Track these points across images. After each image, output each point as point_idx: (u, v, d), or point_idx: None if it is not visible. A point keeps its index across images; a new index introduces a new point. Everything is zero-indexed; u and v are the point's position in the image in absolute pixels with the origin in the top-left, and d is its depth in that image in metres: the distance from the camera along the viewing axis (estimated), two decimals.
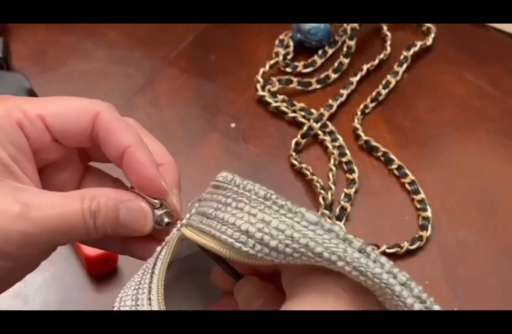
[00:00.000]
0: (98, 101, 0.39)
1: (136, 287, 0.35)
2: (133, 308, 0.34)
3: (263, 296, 0.36)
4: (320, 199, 0.56)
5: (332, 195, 0.57)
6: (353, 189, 0.58)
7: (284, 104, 0.63)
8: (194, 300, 0.40)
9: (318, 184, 0.57)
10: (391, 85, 0.65)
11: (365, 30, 0.69)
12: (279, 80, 0.65)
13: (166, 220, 0.38)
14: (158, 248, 0.37)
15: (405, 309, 0.30)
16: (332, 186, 0.58)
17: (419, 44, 0.68)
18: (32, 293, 0.52)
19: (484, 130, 0.63)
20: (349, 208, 0.57)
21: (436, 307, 0.31)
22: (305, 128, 0.61)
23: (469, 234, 0.56)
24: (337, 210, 0.57)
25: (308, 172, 0.58)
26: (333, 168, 0.59)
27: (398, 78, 0.66)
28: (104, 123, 0.38)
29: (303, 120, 0.62)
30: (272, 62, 0.66)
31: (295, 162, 0.59)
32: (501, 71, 0.67)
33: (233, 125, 0.63)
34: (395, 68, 0.66)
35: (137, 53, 0.68)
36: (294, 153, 0.60)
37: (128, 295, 0.35)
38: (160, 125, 0.63)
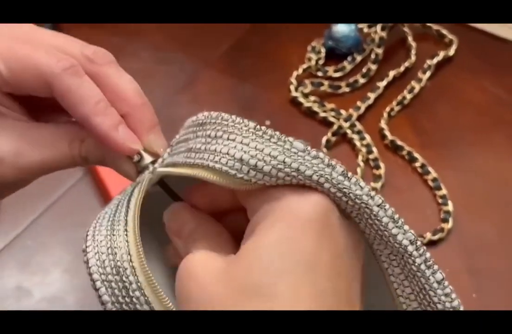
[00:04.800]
0: (63, 60, 0.35)
1: (111, 219, 0.35)
2: (108, 238, 0.34)
3: (194, 222, 0.36)
4: None
5: None
6: (379, 184, 0.60)
7: (316, 104, 0.66)
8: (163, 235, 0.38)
9: None
10: (415, 91, 0.67)
11: (391, 39, 0.70)
12: (311, 83, 0.67)
13: (147, 160, 0.36)
14: (128, 187, 0.37)
15: (381, 227, 0.32)
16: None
17: (442, 54, 0.70)
18: None
19: (501, 134, 0.65)
20: None
21: (406, 227, 0.32)
22: (335, 126, 0.63)
23: (488, 227, 0.58)
24: None
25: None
26: (361, 163, 0.61)
27: (422, 84, 0.68)
28: (58, 90, 0.35)
29: (333, 119, 0.64)
30: (305, 66, 0.68)
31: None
32: None
33: (268, 122, 0.65)
34: (419, 75, 0.68)
35: (180, 55, 0.70)
36: (325, 149, 0.62)
37: (103, 226, 0.35)
38: None
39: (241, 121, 0.33)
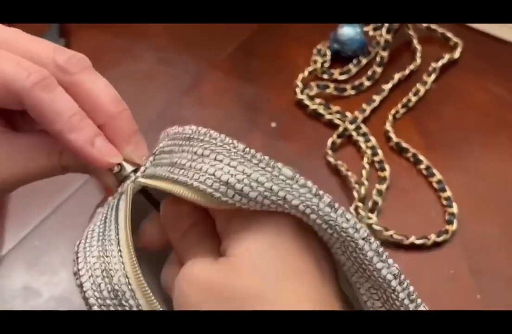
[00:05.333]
0: (34, 73, 0.34)
1: (101, 238, 0.33)
2: (102, 260, 0.32)
3: (189, 221, 0.35)
4: (354, 193, 0.59)
5: (365, 190, 0.59)
6: (384, 186, 0.60)
7: (321, 107, 0.66)
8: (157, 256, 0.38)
9: (352, 180, 0.59)
10: (420, 93, 0.67)
11: (397, 42, 0.71)
12: (317, 85, 0.67)
13: (128, 170, 0.35)
14: (110, 199, 0.36)
15: (365, 261, 0.32)
16: (365, 182, 0.60)
17: (447, 57, 0.70)
18: None
19: (505, 135, 0.66)
20: (380, 202, 0.59)
21: (390, 261, 0.32)
22: (340, 129, 0.64)
23: (492, 229, 0.58)
24: (370, 203, 0.59)
25: (343, 169, 0.60)
26: (366, 165, 0.61)
27: (427, 87, 0.68)
28: (30, 106, 0.34)
29: (338, 122, 0.65)
30: (310, 69, 0.68)
31: (331, 159, 0.61)
32: None
33: (273, 124, 0.65)
34: (424, 78, 0.68)
35: (185, 56, 0.70)
36: (330, 151, 0.62)
37: (93, 246, 0.33)
38: (205, 123, 0.64)
39: (230, 141, 0.32)
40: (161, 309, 0.32)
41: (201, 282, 0.32)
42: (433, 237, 0.57)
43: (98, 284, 0.32)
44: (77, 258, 0.33)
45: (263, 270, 0.31)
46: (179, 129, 0.35)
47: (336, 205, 0.32)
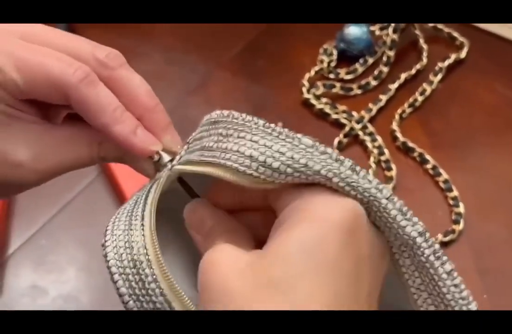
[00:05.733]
0: (79, 69, 0.35)
1: (129, 214, 0.35)
2: (126, 233, 0.34)
3: (213, 219, 0.36)
4: None
5: None
6: (391, 185, 0.60)
7: (328, 106, 0.66)
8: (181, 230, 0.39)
9: None
10: (427, 93, 0.67)
11: (403, 42, 0.71)
12: (323, 85, 0.67)
13: (166, 159, 0.37)
14: (147, 184, 0.37)
15: (389, 219, 0.32)
16: None
17: (453, 56, 0.70)
18: None
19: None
20: None
21: (415, 219, 0.33)
22: (347, 128, 0.64)
23: (498, 229, 0.58)
24: None
25: None
26: (373, 165, 0.61)
27: (433, 87, 0.68)
28: (76, 101, 0.36)
29: (345, 121, 0.64)
30: (317, 68, 0.68)
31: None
32: None
33: (280, 124, 0.65)
34: (431, 77, 0.68)
35: (192, 56, 0.70)
36: (336, 151, 0.62)
37: (121, 220, 0.35)
38: None
39: (251, 119, 0.34)
40: (173, 280, 0.33)
41: (223, 263, 0.32)
42: (439, 237, 0.57)
43: (120, 254, 0.34)
44: (106, 231, 0.35)
45: (290, 260, 0.31)
46: (207, 116, 0.36)
47: (358, 168, 0.32)
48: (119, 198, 0.59)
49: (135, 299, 0.33)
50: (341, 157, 0.32)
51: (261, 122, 0.33)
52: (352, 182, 0.32)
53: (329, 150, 0.32)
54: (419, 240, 0.32)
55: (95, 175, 0.60)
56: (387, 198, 0.32)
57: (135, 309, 0.33)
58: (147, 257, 0.33)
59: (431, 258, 0.33)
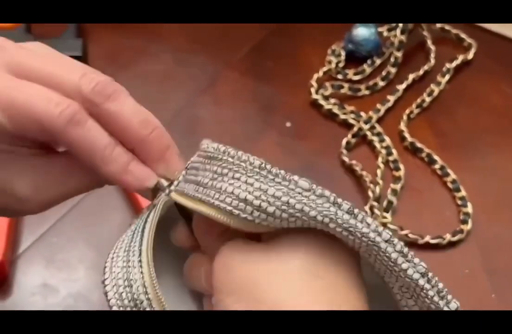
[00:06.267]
0: (66, 110, 0.34)
1: (127, 249, 0.35)
2: (124, 270, 0.34)
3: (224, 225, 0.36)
4: (369, 193, 0.58)
5: (379, 189, 0.59)
6: (399, 185, 0.60)
7: (336, 107, 0.66)
8: (179, 261, 0.39)
9: (367, 179, 0.59)
10: (435, 94, 0.67)
11: (411, 43, 0.70)
12: (332, 85, 0.67)
13: (163, 184, 0.37)
14: (145, 210, 0.37)
15: (390, 262, 0.32)
16: (380, 182, 0.60)
17: (460, 58, 0.70)
18: None
19: None
20: (395, 202, 0.59)
21: (416, 260, 0.32)
22: (355, 128, 0.63)
23: (506, 229, 0.58)
24: (385, 203, 0.59)
25: (357, 168, 0.60)
26: (381, 165, 0.61)
27: (441, 87, 0.68)
28: (64, 144, 0.35)
29: (353, 122, 0.64)
30: (325, 69, 0.68)
31: (346, 159, 0.61)
32: None
33: (288, 124, 0.65)
34: (438, 78, 0.68)
35: (201, 57, 0.70)
36: (345, 151, 0.62)
37: (119, 257, 0.35)
38: (221, 122, 0.65)
39: (247, 158, 0.33)
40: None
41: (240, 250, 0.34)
42: (448, 236, 0.56)
43: (120, 293, 0.34)
44: (105, 267, 0.35)
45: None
46: (204, 145, 0.35)
47: (356, 210, 0.32)
48: (128, 198, 0.59)
49: None
50: (339, 200, 0.32)
51: (257, 162, 0.32)
52: (349, 227, 0.31)
53: (326, 193, 0.32)
54: (421, 281, 0.32)
55: None
56: (386, 241, 0.32)
57: None
58: (146, 296, 0.33)
59: (436, 298, 0.32)
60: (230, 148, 0.33)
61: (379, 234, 0.32)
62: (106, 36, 0.71)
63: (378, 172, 0.60)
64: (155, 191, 0.37)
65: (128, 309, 0.33)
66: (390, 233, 0.32)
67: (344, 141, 0.63)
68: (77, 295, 0.54)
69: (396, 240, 0.32)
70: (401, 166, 0.61)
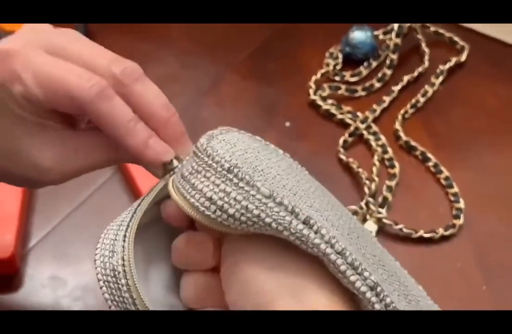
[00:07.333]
0: (94, 85, 0.36)
1: (119, 223, 0.37)
2: (112, 242, 0.36)
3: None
4: (365, 189, 0.59)
5: (375, 186, 0.60)
6: (394, 182, 0.61)
7: (333, 107, 0.66)
8: (163, 242, 0.40)
9: (363, 176, 0.60)
10: (429, 95, 0.68)
11: (406, 46, 0.71)
12: (329, 87, 0.68)
13: (174, 165, 0.38)
14: (154, 186, 0.38)
15: (339, 274, 0.32)
16: (376, 179, 0.60)
17: (454, 60, 0.70)
18: None
19: (510, 135, 0.66)
20: (390, 198, 0.60)
21: (366, 273, 0.33)
22: (352, 128, 0.64)
23: (497, 223, 0.59)
24: (380, 199, 0.59)
25: (354, 166, 0.61)
26: (377, 163, 0.62)
27: (435, 88, 0.68)
28: (92, 115, 0.37)
29: (350, 121, 0.65)
30: (323, 71, 0.69)
31: (343, 157, 0.62)
32: None
33: (287, 124, 0.66)
34: (432, 80, 0.69)
35: (205, 60, 0.71)
36: (342, 149, 0.63)
37: (112, 230, 0.36)
38: (224, 123, 0.65)
39: (219, 159, 0.34)
40: (140, 292, 0.35)
41: None
42: (441, 231, 0.57)
43: (105, 262, 0.35)
44: (99, 238, 0.37)
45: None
46: (201, 136, 0.36)
47: (312, 221, 0.32)
48: (134, 195, 0.60)
49: (115, 304, 0.35)
50: (297, 210, 0.33)
51: (226, 165, 0.34)
52: (301, 236, 0.32)
53: (285, 201, 0.33)
54: (368, 295, 0.32)
55: (111, 173, 0.61)
56: (338, 253, 0.32)
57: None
58: (123, 268, 0.35)
59: None
60: (210, 146, 0.34)
61: (332, 246, 0.32)
62: (113, 41, 0.72)
63: (374, 169, 0.61)
64: (166, 170, 0.38)
65: (109, 278, 0.35)
66: (343, 246, 0.32)
67: (341, 140, 0.63)
68: (85, 287, 0.54)
69: (348, 253, 0.32)
70: (396, 163, 0.62)
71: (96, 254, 0.36)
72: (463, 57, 0.71)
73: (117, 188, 0.60)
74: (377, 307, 0.32)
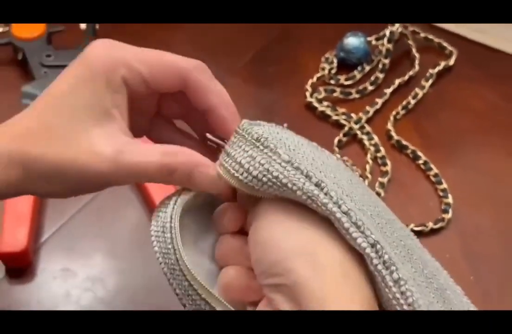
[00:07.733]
0: (190, 61, 0.42)
1: (168, 202, 0.40)
2: (164, 209, 0.40)
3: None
4: None
5: (368, 183, 0.62)
6: (386, 179, 0.63)
7: (329, 109, 0.69)
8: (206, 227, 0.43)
9: (357, 173, 0.62)
10: (419, 97, 0.71)
11: (397, 51, 0.74)
12: (325, 90, 0.70)
13: None
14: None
15: (343, 231, 0.35)
16: (369, 176, 0.63)
17: (442, 64, 0.73)
18: None
19: (497, 136, 0.69)
20: (382, 194, 0.62)
21: (368, 232, 0.35)
22: (346, 128, 0.67)
23: (483, 217, 0.61)
24: None
25: (348, 164, 0.64)
26: (370, 161, 0.65)
27: (425, 91, 0.71)
28: (193, 83, 0.41)
29: (344, 122, 0.68)
30: (319, 75, 0.71)
31: (338, 156, 0.65)
32: None
33: (285, 125, 0.68)
34: (422, 83, 0.72)
35: (207, 64, 0.72)
36: (337, 148, 0.65)
37: (164, 203, 0.40)
38: None
39: (250, 131, 0.38)
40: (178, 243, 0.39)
41: None
42: (430, 224, 0.60)
43: (157, 220, 0.40)
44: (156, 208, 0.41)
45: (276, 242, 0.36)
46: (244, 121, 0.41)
47: (323, 184, 0.36)
48: (142, 193, 0.62)
49: (162, 256, 0.39)
50: (311, 173, 0.36)
51: (255, 135, 0.38)
52: (312, 196, 0.36)
53: (302, 166, 0.36)
54: (368, 250, 0.35)
55: None
56: (344, 213, 0.35)
57: (162, 265, 0.39)
58: (170, 224, 0.39)
59: (379, 267, 0.35)
60: (244, 120, 0.40)
61: (339, 206, 0.35)
62: None
63: (367, 167, 0.64)
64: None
65: (159, 232, 0.40)
66: (349, 207, 0.35)
67: (336, 140, 0.66)
68: (94, 279, 0.57)
69: (353, 213, 0.35)
70: (388, 162, 0.65)
71: (152, 216, 0.40)
72: (452, 62, 0.74)
73: (124, 186, 0.62)
74: (375, 261, 0.35)
